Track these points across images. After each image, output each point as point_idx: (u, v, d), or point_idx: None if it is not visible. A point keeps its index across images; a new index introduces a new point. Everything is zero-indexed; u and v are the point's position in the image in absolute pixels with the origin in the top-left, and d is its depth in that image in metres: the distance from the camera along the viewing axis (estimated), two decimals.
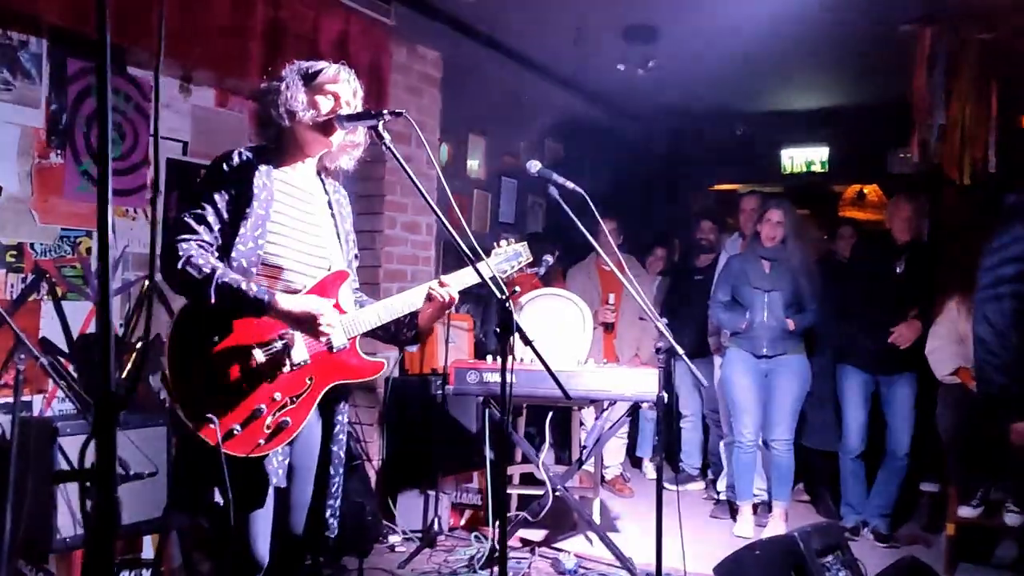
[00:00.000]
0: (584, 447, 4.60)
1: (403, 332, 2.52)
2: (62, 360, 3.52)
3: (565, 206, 2.92)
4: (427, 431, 4.58)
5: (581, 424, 5.22)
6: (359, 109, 2.40)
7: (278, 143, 2.38)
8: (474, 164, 6.44)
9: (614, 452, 5.70)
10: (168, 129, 3.97)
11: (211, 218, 2.21)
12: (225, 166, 2.27)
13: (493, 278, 2.20)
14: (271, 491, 2.29)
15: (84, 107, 3.62)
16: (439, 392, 4.51)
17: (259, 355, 2.18)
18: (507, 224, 6.78)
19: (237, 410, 2.16)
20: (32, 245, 3.46)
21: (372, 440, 4.85)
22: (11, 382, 2.91)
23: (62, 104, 3.54)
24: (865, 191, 7.95)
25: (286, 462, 2.31)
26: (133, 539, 3.46)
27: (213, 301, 2.11)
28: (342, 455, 2.49)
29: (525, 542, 4.44)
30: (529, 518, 4.16)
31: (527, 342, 2.25)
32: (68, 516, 3.03)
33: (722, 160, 7.48)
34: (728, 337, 4.94)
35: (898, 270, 4.67)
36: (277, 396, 2.22)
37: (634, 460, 6.35)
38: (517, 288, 4.39)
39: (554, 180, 2.97)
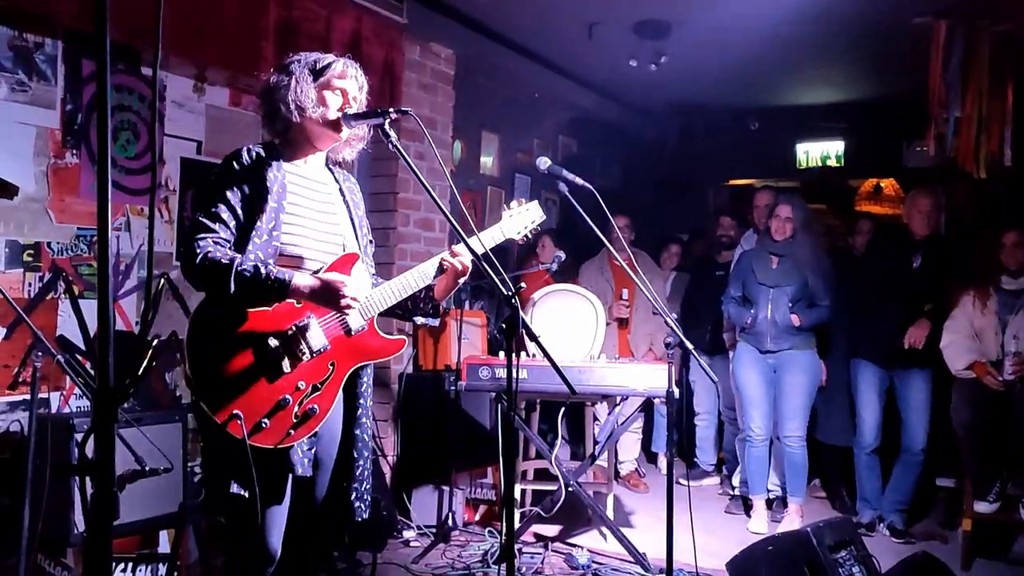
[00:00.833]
0: (597, 442, 4.61)
1: (420, 306, 2.53)
2: (79, 358, 3.56)
3: (575, 203, 2.91)
4: (441, 427, 4.61)
5: (596, 419, 5.22)
6: (364, 103, 2.42)
7: (287, 137, 2.40)
8: (487, 161, 6.45)
9: (628, 447, 5.69)
10: (182, 128, 4.00)
11: (226, 215, 2.23)
12: (236, 164, 2.28)
13: (500, 277, 2.19)
14: (289, 484, 2.30)
15: None
16: (452, 388, 4.53)
17: (273, 342, 2.19)
18: None
19: (262, 402, 2.17)
20: (49, 244, 3.50)
21: (387, 436, 4.88)
22: (29, 379, 2.95)
23: (77, 104, 3.57)
24: (882, 185, 7.90)
25: (312, 451, 2.31)
26: (150, 534, 3.50)
27: (233, 289, 2.12)
28: (366, 438, 2.48)
29: (539, 537, 4.45)
30: (543, 513, 4.17)
31: (532, 337, 2.25)
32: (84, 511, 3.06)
33: (736, 155, 7.45)
34: (738, 332, 4.94)
35: (915, 264, 4.61)
36: (301, 385, 2.23)
37: (650, 456, 6.34)
38: (523, 284, 4.40)
39: (564, 177, 2.94)
